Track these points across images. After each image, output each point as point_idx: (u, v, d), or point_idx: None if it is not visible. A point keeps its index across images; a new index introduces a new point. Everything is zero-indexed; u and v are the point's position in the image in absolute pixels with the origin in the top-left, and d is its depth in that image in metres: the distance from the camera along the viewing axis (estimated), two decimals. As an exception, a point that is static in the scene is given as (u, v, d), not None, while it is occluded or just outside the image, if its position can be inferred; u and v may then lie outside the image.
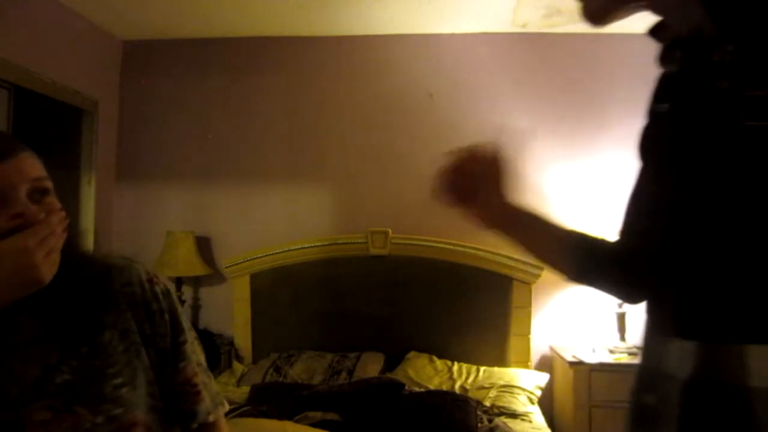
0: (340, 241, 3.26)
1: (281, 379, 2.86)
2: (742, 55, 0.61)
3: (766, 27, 0.60)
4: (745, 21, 0.62)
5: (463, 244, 3.17)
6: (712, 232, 0.61)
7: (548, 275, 3.14)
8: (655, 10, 0.73)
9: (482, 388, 2.79)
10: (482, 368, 2.96)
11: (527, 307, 3.14)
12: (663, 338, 0.64)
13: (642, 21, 0.75)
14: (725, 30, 0.63)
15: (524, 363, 3.09)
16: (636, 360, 2.92)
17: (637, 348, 2.94)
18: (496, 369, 2.97)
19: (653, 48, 0.76)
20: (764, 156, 0.56)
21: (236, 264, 3.29)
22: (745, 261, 0.59)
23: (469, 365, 2.99)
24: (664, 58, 0.72)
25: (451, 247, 3.17)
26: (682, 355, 0.60)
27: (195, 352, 0.97)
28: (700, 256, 0.62)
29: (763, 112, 0.55)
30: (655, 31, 0.75)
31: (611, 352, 2.94)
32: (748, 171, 0.58)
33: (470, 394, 2.70)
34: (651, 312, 0.69)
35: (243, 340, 3.29)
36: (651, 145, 0.74)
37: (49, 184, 0.84)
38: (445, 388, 2.77)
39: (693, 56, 0.67)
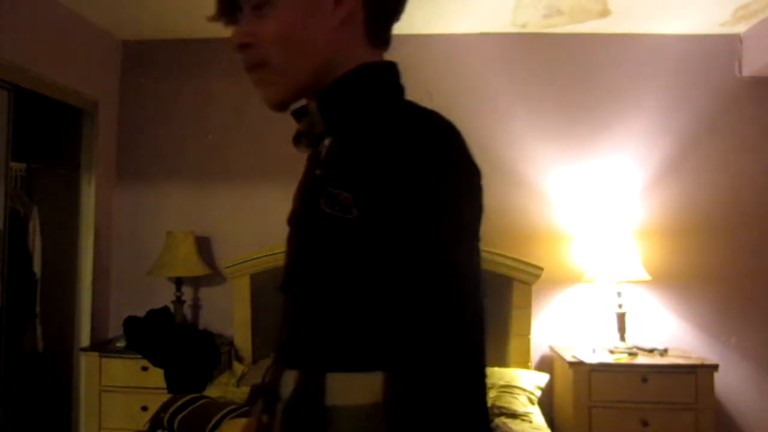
0: (340, 241, 3.26)
1: (281, 379, 2.86)
2: (334, 153, 0.78)
3: (355, 134, 0.75)
4: (342, 124, 0.79)
5: (463, 244, 3.17)
6: (311, 292, 0.77)
7: (548, 275, 3.14)
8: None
9: (482, 388, 2.78)
10: (482, 368, 2.96)
11: (527, 307, 3.13)
12: (280, 366, 0.79)
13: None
14: (329, 126, 0.81)
15: (524, 363, 3.09)
16: (636, 360, 2.92)
17: (628, 348, 2.95)
18: (496, 369, 2.96)
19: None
20: (332, 234, 0.72)
21: (236, 264, 3.28)
22: (327, 311, 0.75)
23: (469, 365, 2.99)
24: (296, 140, 0.90)
25: (451, 247, 3.16)
26: (287, 381, 0.76)
27: None
28: (304, 306, 0.78)
29: (333, 203, 0.71)
30: (297, 114, 0.89)
31: (611, 352, 2.94)
32: (325, 242, 0.74)
33: (470, 395, 2.69)
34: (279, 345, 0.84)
35: (243, 340, 3.28)
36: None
37: None
38: (445, 388, 2.77)
39: (315, 142, 0.85)
